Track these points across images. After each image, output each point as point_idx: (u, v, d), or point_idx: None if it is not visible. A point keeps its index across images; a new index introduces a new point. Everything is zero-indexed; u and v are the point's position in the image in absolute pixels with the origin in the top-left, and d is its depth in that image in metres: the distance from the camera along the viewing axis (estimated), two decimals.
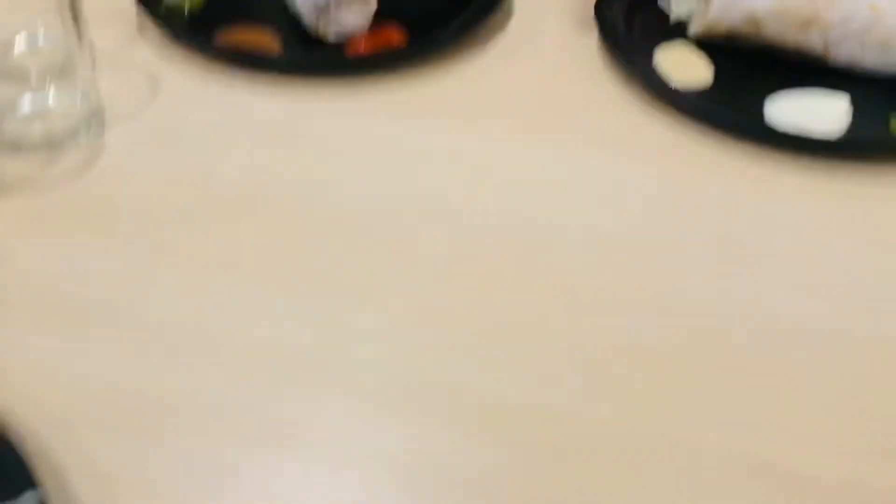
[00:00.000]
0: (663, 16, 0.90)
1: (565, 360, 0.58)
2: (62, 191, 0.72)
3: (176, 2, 0.90)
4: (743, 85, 0.81)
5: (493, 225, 0.68)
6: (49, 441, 0.53)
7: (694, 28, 0.86)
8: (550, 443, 0.53)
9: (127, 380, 0.57)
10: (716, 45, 0.84)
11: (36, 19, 0.75)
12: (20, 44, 0.77)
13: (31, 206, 0.70)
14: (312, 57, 0.86)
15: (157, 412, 0.55)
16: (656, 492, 0.51)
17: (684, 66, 0.82)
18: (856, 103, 0.78)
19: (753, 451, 0.53)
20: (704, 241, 0.67)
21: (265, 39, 0.86)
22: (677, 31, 0.87)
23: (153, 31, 0.88)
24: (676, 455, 0.53)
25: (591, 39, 0.88)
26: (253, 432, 0.54)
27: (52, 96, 0.76)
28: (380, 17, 0.86)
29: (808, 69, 0.81)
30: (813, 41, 0.80)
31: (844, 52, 0.80)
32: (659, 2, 0.91)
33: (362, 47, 0.84)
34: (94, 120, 0.77)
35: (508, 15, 0.92)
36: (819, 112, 0.77)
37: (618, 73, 0.84)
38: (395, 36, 0.86)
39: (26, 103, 0.76)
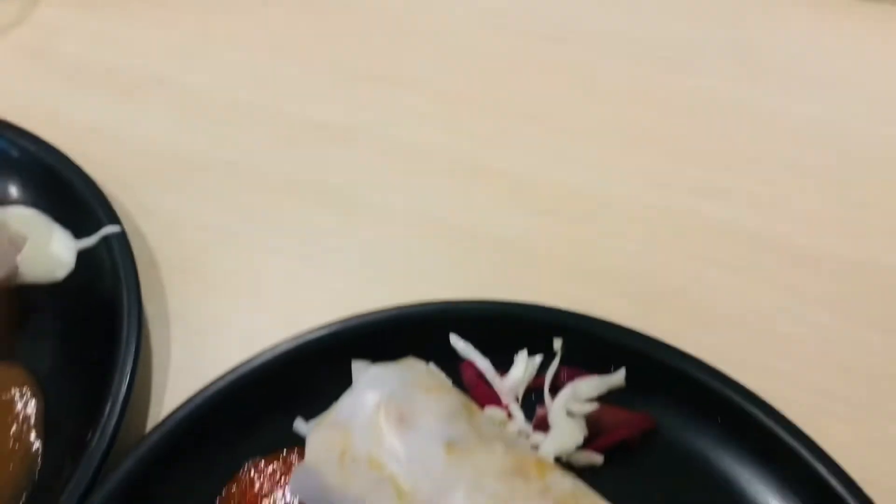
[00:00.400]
0: None
1: (585, 144, 0.63)
2: None
3: None
4: None
5: (517, 26, 0.71)
6: (115, 191, 0.58)
7: None
8: (572, 212, 0.59)
9: (184, 142, 0.62)
10: None
11: None
12: None
13: None
14: None
15: (212, 170, 0.61)
16: (666, 257, 0.57)
17: None
18: None
19: (755, 227, 0.58)
20: (719, 46, 0.70)
21: None
22: None
23: None
24: (686, 227, 0.58)
25: None
26: (302, 191, 0.60)
27: None
28: None
29: None
30: None
31: None
32: None
33: None
34: None
35: None
36: None
37: None
38: None
39: None
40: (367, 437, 0.38)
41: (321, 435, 0.39)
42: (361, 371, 0.42)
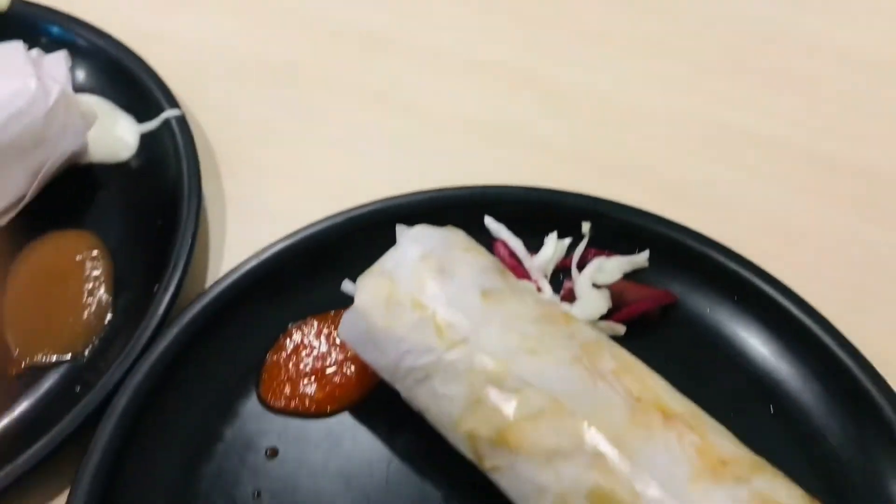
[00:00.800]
0: None
1: (617, 54, 0.66)
2: None
3: None
4: None
5: None
6: (174, 86, 0.61)
7: None
8: (602, 115, 0.62)
9: (237, 44, 0.66)
10: None
11: None
12: None
13: None
14: None
15: (263, 70, 0.65)
16: (690, 159, 0.60)
17: None
18: None
19: (779, 135, 0.61)
20: None
21: None
22: None
23: None
24: (711, 133, 0.61)
25: None
26: (347, 89, 0.63)
27: None
28: None
29: None
30: None
31: None
32: None
33: None
34: None
35: None
36: None
37: None
38: None
39: None
40: (410, 284, 0.42)
41: (369, 282, 0.43)
42: (405, 231, 0.45)
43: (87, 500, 0.41)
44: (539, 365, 0.39)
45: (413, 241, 0.44)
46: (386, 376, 0.43)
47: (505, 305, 0.41)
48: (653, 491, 0.35)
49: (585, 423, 0.37)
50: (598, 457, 0.36)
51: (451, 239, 0.45)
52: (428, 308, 0.41)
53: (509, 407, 0.39)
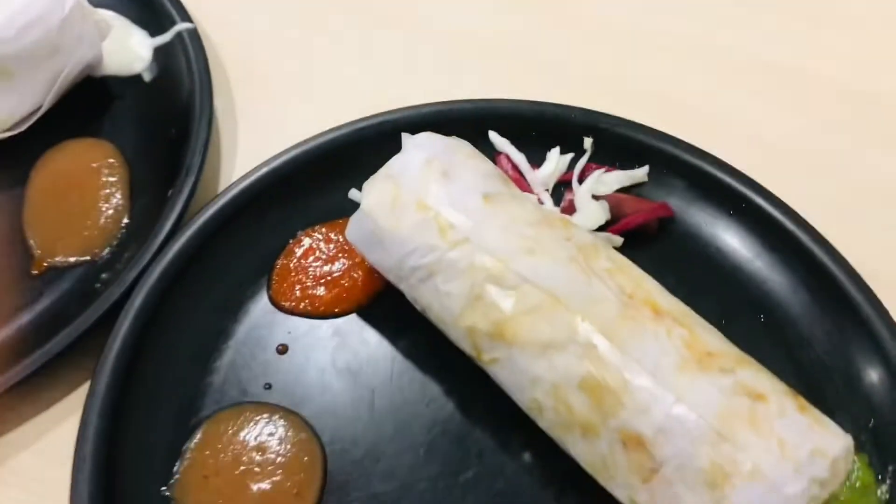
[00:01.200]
0: None
1: None
2: None
3: None
4: None
5: None
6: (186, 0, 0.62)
7: None
8: (602, 36, 0.64)
9: None
10: None
11: None
12: None
13: None
14: None
15: None
16: (693, 82, 0.61)
17: None
18: None
19: (779, 59, 0.62)
20: None
21: None
22: None
23: None
24: (715, 58, 0.62)
25: None
26: (356, 5, 0.64)
27: None
28: None
29: None
30: None
31: None
32: None
33: None
34: None
35: None
36: None
37: None
38: None
39: None
40: (414, 187, 0.43)
41: (375, 186, 0.44)
42: (410, 138, 0.46)
43: (107, 390, 0.43)
44: (536, 264, 0.41)
45: (418, 146, 0.45)
46: (391, 277, 0.45)
47: (505, 208, 0.43)
48: (641, 379, 0.37)
49: (579, 317, 0.39)
50: (589, 348, 0.38)
51: (455, 146, 0.46)
52: (431, 209, 0.42)
53: (507, 302, 0.40)
